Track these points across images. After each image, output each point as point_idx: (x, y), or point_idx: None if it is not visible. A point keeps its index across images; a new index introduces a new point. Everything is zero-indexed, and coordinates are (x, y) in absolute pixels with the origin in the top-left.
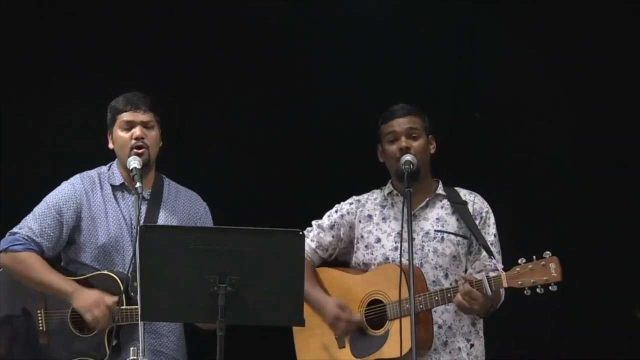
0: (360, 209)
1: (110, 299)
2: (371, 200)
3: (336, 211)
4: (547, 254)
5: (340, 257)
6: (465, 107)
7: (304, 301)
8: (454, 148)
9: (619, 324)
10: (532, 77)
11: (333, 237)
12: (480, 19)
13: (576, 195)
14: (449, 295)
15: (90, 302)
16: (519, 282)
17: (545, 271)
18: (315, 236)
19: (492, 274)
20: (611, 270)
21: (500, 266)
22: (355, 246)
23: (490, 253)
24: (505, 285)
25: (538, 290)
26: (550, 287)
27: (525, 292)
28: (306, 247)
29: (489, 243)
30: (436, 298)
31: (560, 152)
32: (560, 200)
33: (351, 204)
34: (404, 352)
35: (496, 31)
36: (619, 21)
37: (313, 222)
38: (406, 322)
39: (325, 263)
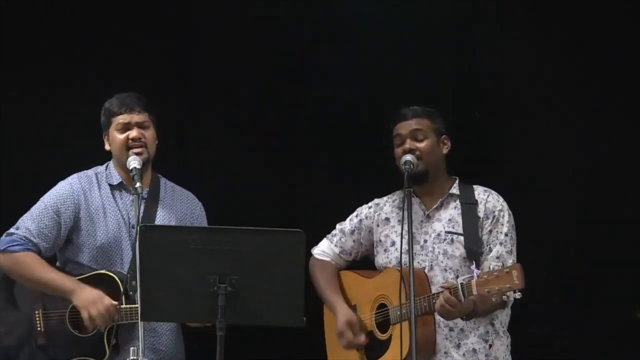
0: (378, 212)
1: (109, 300)
2: (390, 202)
3: (356, 215)
4: (512, 260)
5: (370, 257)
6: (465, 107)
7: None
8: (453, 148)
9: (619, 324)
10: (532, 76)
11: (354, 241)
12: (480, 19)
13: (576, 195)
14: (433, 301)
15: (89, 300)
16: (486, 290)
17: (508, 279)
18: (338, 241)
19: (465, 280)
20: (611, 270)
21: (476, 272)
22: (375, 249)
23: (473, 257)
24: (475, 292)
25: (504, 297)
26: (515, 295)
27: (493, 299)
28: (330, 252)
29: (499, 242)
30: (424, 304)
31: (561, 151)
32: (561, 200)
33: (370, 207)
34: (403, 357)
35: (496, 31)
36: (620, 19)
37: (337, 225)
38: (405, 326)
39: (355, 263)
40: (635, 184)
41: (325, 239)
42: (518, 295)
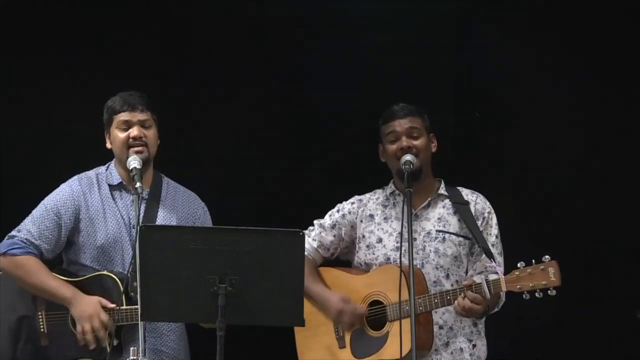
0: (362, 208)
1: (105, 315)
2: (373, 199)
3: (338, 210)
4: (547, 258)
5: (342, 257)
6: (465, 108)
7: (306, 299)
8: (453, 148)
9: (619, 324)
10: (532, 76)
11: (334, 236)
12: (480, 19)
13: (576, 195)
14: (448, 297)
15: (86, 314)
16: (518, 286)
17: (544, 275)
18: (317, 235)
19: (491, 278)
20: (611, 271)
21: (500, 269)
22: (357, 246)
23: (491, 256)
24: (504, 289)
25: (537, 294)
26: (549, 292)
27: (524, 296)
28: (308, 246)
29: (490, 244)
30: (436, 300)
31: (561, 152)
32: (561, 200)
33: (353, 203)
34: (404, 354)
35: (496, 31)
36: (620, 19)
37: (315, 222)
38: (406, 323)
39: (327, 262)
40: (636, 184)
41: None
42: (553, 292)
